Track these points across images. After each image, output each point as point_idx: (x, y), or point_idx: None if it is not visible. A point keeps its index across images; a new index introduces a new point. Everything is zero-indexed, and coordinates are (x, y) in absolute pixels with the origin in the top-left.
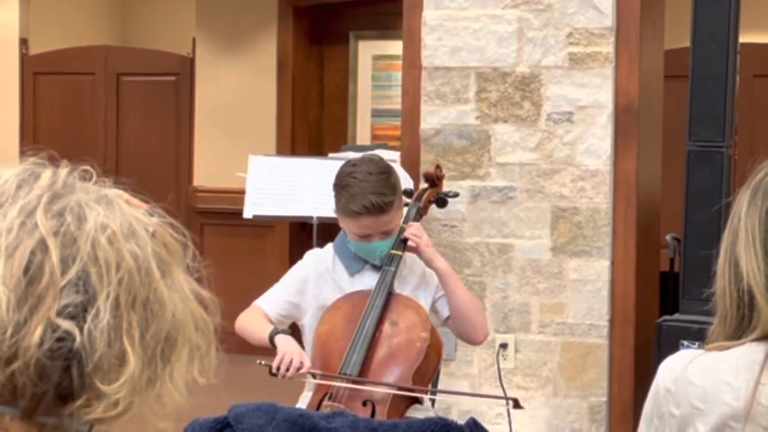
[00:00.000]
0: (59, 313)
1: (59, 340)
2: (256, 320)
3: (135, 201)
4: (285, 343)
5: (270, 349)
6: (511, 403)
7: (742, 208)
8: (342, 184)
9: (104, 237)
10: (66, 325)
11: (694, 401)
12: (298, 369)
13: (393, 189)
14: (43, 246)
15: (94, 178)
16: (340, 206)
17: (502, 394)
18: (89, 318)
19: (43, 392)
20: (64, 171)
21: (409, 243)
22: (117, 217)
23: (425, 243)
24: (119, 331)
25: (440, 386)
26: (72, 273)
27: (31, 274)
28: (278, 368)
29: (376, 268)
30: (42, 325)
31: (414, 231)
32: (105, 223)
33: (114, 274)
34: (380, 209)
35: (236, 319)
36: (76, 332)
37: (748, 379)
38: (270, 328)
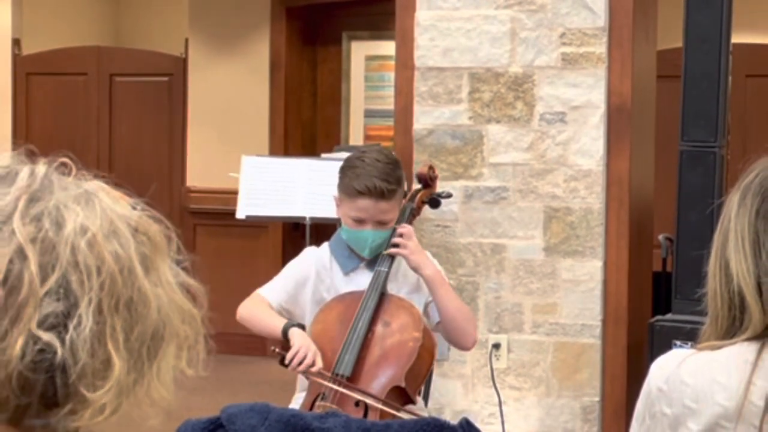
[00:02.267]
0: (40, 324)
1: (41, 351)
2: (263, 310)
3: (116, 193)
4: (301, 338)
5: (270, 339)
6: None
7: (732, 210)
8: (349, 165)
9: (84, 241)
10: (47, 336)
11: (686, 401)
12: (310, 366)
13: (398, 180)
14: (21, 254)
15: (74, 171)
16: (343, 185)
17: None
18: (71, 326)
19: (27, 403)
20: (42, 168)
21: (397, 249)
22: (97, 216)
23: (411, 250)
24: (103, 337)
25: (433, 387)
26: (52, 281)
27: (10, 284)
28: (290, 360)
29: (370, 267)
30: (23, 337)
31: (404, 234)
32: (84, 225)
33: (95, 279)
34: (381, 194)
35: (239, 307)
36: (57, 344)
37: (739, 379)
38: (281, 319)
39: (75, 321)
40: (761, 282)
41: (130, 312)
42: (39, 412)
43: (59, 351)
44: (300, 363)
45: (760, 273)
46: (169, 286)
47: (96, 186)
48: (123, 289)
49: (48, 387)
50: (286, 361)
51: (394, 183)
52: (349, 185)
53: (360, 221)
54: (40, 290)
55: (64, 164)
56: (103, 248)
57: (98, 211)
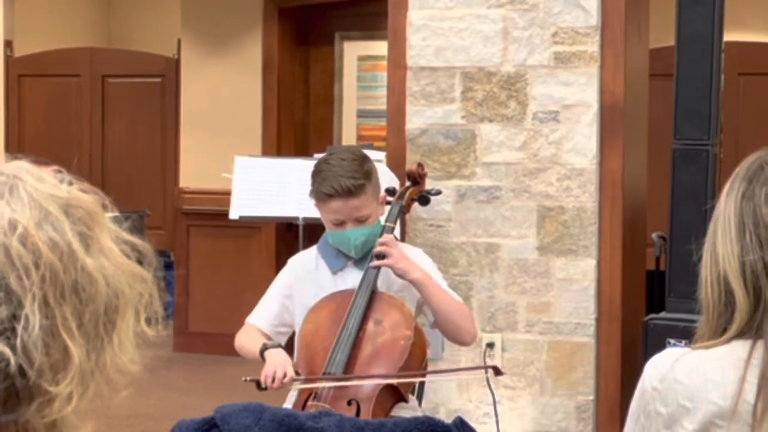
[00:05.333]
0: None
1: None
2: (249, 338)
3: (40, 171)
4: (271, 357)
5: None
6: (491, 371)
7: (722, 198)
8: (316, 170)
9: (15, 238)
10: None
11: (680, 399)
12: (282, 379)
13: (366, 175)
14: None
15: None
16: (314, 191)
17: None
18: (20, 329)
19: None
20: None
21: (381, 261)
22: (25, 205)
23: (396, 258)
24: (56, 329)
25: (428, 386)
26: None
27: None
28: (265, 382)
29: (359, 265)
30: None
31: (384, 243)
32: (13, 220)
33: (35, 274)
34: (349, 192)
35: (234, 340)
36: (9, 352)
37: (734, 377)
38: (260, 344)
39: (23, 322)
40: (744, 262)
41: (78, 296)
42: (5, 411)
43: (12, 359)
44: (273, 381)
45: (743, 254)
46: (112, 254)
47: (17, 167)
48: (65, 275)
49: (10, 392)
50: (263, 385)
51: (361, 178)
52: (318, 190)
53: (338, 223)
54: None
55: None
56: (37, 239)
57: (25, 199)
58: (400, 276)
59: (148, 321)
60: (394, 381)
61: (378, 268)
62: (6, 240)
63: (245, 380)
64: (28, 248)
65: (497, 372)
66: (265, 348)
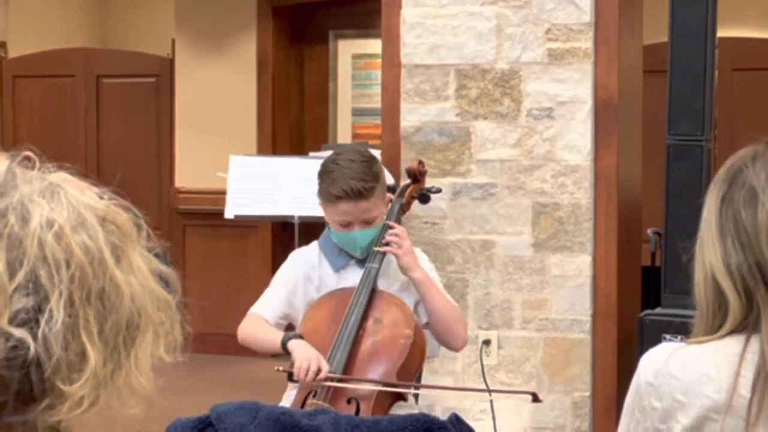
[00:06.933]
0: (11, 321)
1: (14, 348)
2: (260, 327)
3: (82, 183)
4: (301, 348)
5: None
6: (530, 397)
7: (707, 196)
8: (325, 170)
9: (51, 234)
10: (19, 333)
11: (675, 394)
12: (317, 374)
13: (375, 177)
14: None
15: (37, 164)
16: (321, 192)
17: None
18: (43, 321)
19: (3, 401)
20: (3, 163)
21: (390, 248)
22: (64, 208)
23: (405, 250)
24: (76, 329)
25: (423, 383)
26: (20, 276)
27: None
28: (299, 374)
29: (361, 264)
30: None
31: (397, 234)
32: (51, 218)
33: (65, 272)
34: (359, 194)
35: (238, 330)
36: (30, 340)
37: (728, 371)
38: (279, 333)
39: (46, 315)
40: (730, 264)
41: (102, 302)
42: (16, 409)
43: (32, 347)
44: (308, 374)
45: (727, 257)
46: (141, 274)
47: (61, 177)
48: (94, 280)
49: (24, 383)
50: (295, 377)
51: (371, 180)
52: (327, 191)
53: (345, 224)
54: (8, 286)
55: (27, 158)
56: (72, 240)
57: (64, 203)
58: (403, 270)
59: (167, 348)
60: (421, 391)
61: (380, 263)
62: (42, 234)
63: (278, 370)
64: (61, 246)
65: (535, 399)
66: (288, 338)
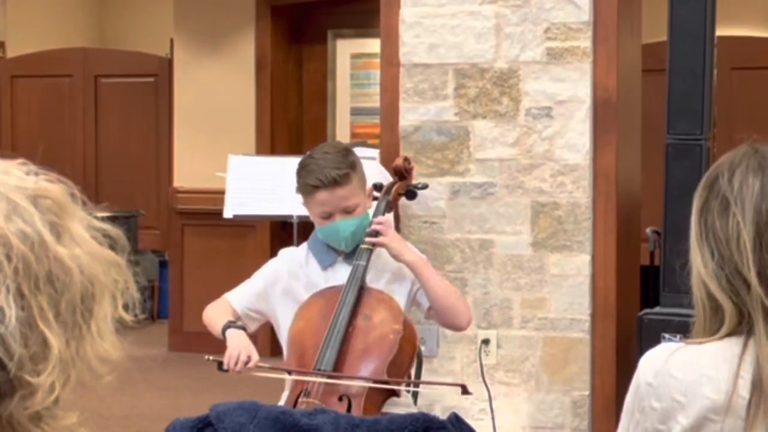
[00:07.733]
0: None
1: None
2: (218, 313)
3: (5, 163)
4: (233, 338)
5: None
6: (459, 389)
7: (693, 202)
8: (302, 166)
9: None
10: None
11: (674, 395)
12: (246, 363)
13: (350, 165)
14: None
15: None
16: (300, 186)
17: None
18: None
19: None
20: None
21: (376, 238)
22: None
23: (391, 238)
24: (32, 320)
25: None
26: None
27: None
28: (228, 364)
29: (349, 261)
30: None
31: (381, 222)
32: None
33: (7, 266)
34: (335, 182)
35: (204, 311)
36: None
37: (728, 372)
38: (222, 321)
39: None
40: (713, 272)
41: (53, 285)
42: None
43: None
44: (236, 364)
45: (708, 266)
46: (84, 242)
47: None
48: (38, 266)
49: None
50: (224, 366)
51: (345, 167)
52: (304, 183)
53: (326, 216)
54: None
55: None
56: (7, 231)
57: None
58: (395, 257)
59: (126, 307)
60: (367, 385)
61: (367, 261)
62: None
63: (207, 359)
64: None
65: (465, 391)
66: (227, 326)
